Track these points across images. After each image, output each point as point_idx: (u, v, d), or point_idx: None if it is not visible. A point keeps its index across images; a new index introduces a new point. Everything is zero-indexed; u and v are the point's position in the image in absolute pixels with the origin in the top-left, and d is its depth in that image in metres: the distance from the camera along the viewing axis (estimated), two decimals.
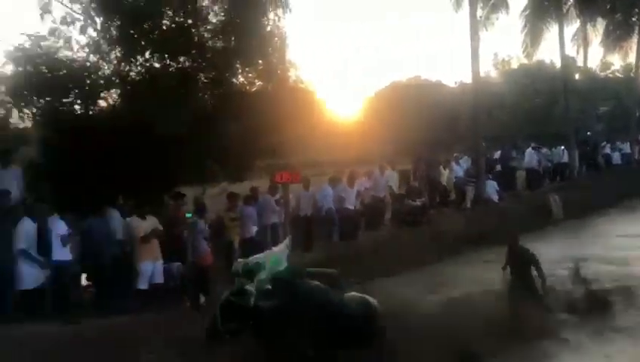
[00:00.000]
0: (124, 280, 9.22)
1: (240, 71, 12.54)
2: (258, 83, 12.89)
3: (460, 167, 17.29)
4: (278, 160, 13.72)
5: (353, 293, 6.76)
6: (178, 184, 12.38)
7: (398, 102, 33.64)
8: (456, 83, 39.05)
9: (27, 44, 10.99)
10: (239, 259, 6.92)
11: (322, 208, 13.11)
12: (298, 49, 43.22)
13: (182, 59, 11.83)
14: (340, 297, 6.47)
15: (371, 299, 6.68)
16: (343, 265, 11.52)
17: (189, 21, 11.79)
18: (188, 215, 10.48)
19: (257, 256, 6.63)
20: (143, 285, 9.16)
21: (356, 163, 19.35)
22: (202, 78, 12.08)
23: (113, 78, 11.72)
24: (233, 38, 11.92)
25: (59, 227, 8.49)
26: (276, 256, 6.55)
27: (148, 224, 9.41)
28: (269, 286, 6.16)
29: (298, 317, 6.05)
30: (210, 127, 11.38)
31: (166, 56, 11.68)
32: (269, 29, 12.40)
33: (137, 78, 11.68)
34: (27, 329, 7.07)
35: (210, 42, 12.06)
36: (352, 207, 13.44)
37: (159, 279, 9.36)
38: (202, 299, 9.62)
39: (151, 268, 9.25)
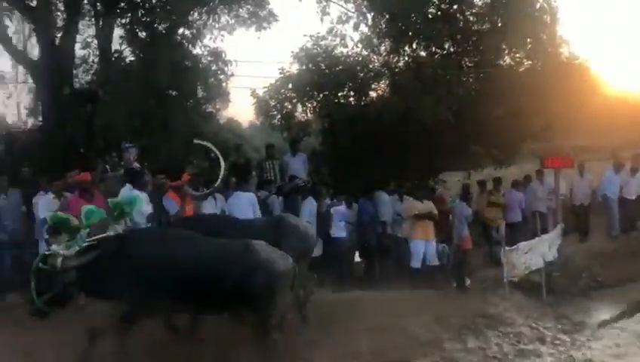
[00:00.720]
0: (393, 258, 9.85)
1: (506, 52, 12.15)
2: (526, 63, 12.33)
3: None
4: (548, 143, 12.85)
5: (239, 240, 5.53)
6: (443, 169, 12.62)
7: None
8: None
9: (309, 45, 12.42)
10: (49, 213, 6.12)
11: (598, 196, 11.94)
12: (575, 23, 39.48)
13: (446, 45, 11.98)
14: (204, 246, 5.39)
15: (255, 247, 5.39)
16: (618, 260, 10.45)
17: (454, 7, 11.85)
18: (452, 199, 10.62)
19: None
20: (415, 264, 9.37)
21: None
22: (467, 63, 12.05)
23: (382, 70, 12.47)
24: (499, 19, 11.61)
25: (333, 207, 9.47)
26: (90, 208, 5.53)
27: (423, 207, 9.64)
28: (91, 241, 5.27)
29: (121, 273, 5.16)
30: (475, 111, 11.30)
31: (431, 44, 11.95)
32: (538, 5, 11.75)
33: (404, 68, 12.21)
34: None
35: (475, 25, 11.96)
36: (632, 197, 11.89)
37: (433, 260, 9.49)
38: (468, 281, 9.71)
39: (422, 247, 9.41)
